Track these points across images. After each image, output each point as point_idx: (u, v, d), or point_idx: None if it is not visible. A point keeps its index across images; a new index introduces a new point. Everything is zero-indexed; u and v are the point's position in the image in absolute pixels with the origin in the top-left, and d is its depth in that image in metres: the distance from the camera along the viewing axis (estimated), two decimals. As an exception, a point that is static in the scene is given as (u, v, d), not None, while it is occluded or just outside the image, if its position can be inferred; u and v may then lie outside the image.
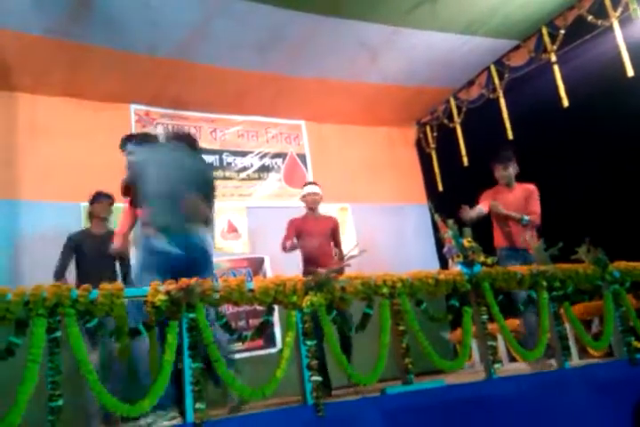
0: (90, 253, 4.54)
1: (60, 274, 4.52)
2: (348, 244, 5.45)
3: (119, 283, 2.95)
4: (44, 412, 2.50)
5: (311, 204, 5.19)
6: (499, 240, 4.89)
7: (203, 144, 6.62)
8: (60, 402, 2.54)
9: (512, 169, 4.90)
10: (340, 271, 4.71)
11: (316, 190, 5.22)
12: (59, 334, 2.62)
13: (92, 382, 2.63)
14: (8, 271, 5.25)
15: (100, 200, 4.74)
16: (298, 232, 5.07)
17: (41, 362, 2.53)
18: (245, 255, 6.38)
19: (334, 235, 5.17)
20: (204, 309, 2.95)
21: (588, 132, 5.32)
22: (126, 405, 2.68)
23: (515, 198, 4.86)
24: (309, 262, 4.90)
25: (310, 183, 5.40)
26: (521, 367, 4.39)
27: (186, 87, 6.19)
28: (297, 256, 5.10)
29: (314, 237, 4.97)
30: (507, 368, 4.81)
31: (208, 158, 6.63)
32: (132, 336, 2.93)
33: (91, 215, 4.81)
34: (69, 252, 4.60)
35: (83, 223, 5.42)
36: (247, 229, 6.51)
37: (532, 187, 4.92)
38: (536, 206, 4.82)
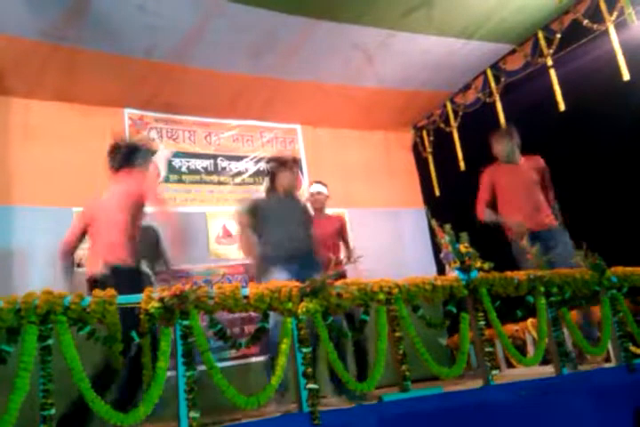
0: None
1: None
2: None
3: None
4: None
5: (313, 204, 4.99)
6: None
7: (197, 148, 6.63)
8: (53, 411, 2.51)
9: (509, 143, 4.71)
10: (343, 275, 4.66)
11: (319, 189, 5.03)
12: (51, 341, 2.59)
13: (85, 391, 2.60)
14: (0, 278, 5.19)
15: None
16: None
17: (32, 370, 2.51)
18: (240, 261, 6.33)
19: (342, 235, 5.02)
20: (198, 315, 2.92)
21: (584, 136, 5.31)
22: (120, 413, 2.65)
23: (521, 176, 4.66)
24: None
25: (315, 182, 5.20)
26: (519, 373, 4.37)
27: (180, 91, 6.16)
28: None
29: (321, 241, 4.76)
30: (505, 374, 4.79)
31: (202, 163, 6.62)
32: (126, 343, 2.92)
33: None
34: None
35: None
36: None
37: (541, 161, 4.73)
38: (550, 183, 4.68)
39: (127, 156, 3.84)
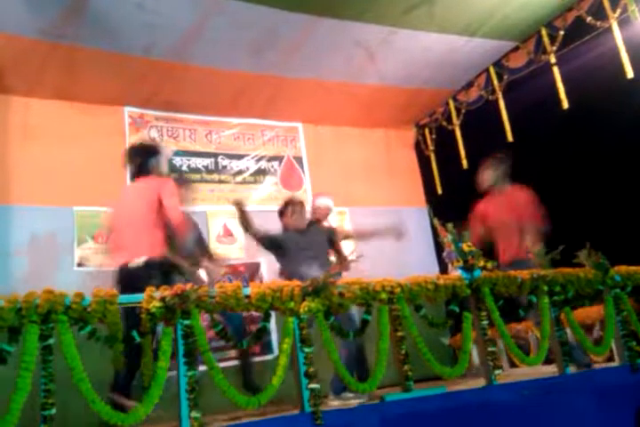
0: None
1: None
2: (346, 248, 5.36)
3: None
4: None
5: (316, 215, 5.00)
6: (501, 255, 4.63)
7: (197, 147, 6.60)
8: (53, 411, 2.50)
9: (493, 173, 4.72)
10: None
11: (326, 202, 5.07)
12: (52, 341, 2.58)
13: (86, 391, 2.58)
14: (0, 277, 5.17)
15: None
16: None
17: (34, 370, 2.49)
18: (241, 260, 6.31)
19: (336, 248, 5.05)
20: (199, 315, 2.90)
21: (587, 134, 5.28)
22: (121, 414, 2.64)
23: (501, 209, 4.62)
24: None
25: (321, 196, 5.22)
26: (522, 373, 4.36)
27: (181, 89, 6.14)
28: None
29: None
30: (507, 374, 4.77)
31: (203, 162, 6.59)
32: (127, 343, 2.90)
33: None
34: None
35: (75, 228, 5.37)
36: (243, 233, 6.42)
37: (525, 193, 4.60)
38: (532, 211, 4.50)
39: (142, 165, 4.00)
